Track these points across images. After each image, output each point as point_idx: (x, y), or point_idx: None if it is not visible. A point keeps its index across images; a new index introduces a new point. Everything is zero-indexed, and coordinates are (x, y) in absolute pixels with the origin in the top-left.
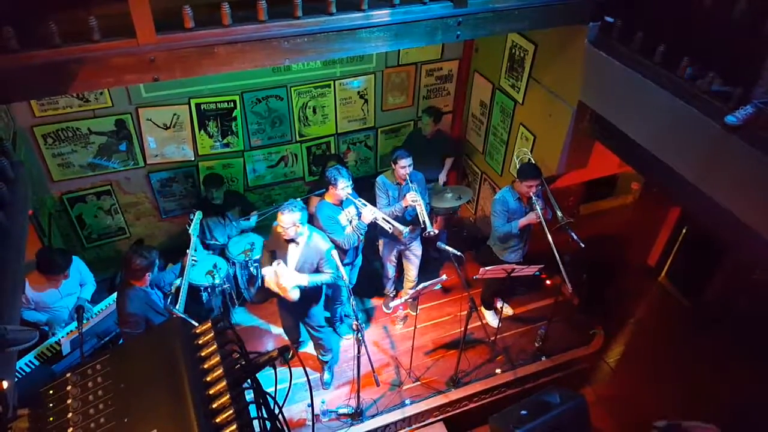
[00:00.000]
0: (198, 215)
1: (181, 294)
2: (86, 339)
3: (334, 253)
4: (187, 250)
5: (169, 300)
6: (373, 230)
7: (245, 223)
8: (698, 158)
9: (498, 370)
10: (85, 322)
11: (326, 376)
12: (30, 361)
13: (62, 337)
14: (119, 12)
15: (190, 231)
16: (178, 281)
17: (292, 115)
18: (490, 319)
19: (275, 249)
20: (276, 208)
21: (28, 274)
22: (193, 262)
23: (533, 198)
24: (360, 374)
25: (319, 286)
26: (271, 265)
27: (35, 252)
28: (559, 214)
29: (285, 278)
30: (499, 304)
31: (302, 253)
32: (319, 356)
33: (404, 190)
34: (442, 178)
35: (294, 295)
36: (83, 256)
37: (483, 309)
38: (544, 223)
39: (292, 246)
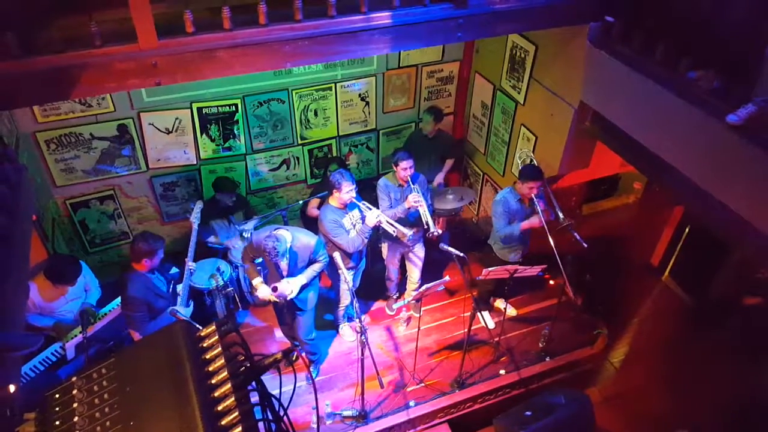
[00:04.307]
0: (198, 204)
1: (181, 297)
2: (91, 343)
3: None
4: (186, 259)
5: (171, 286)
6: (376, 232)
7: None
8: (700, 157)
9: (502, 371)
10: (89, 326)
11: (313, 371)
12: (35, 366)
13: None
14: (121, 17)
15: (191, 219)
16: (179, 287)
17: (293, 118)
18: (487, 319)
19: (258, 257)
20: (276, 212)
21: (34, 278)
22: (192, 269)
23: (534, 199)
24: (364, 376)
25: (316, 282)
26: (257, 274)
27: (43, 258)
28: (561, 215)
29: (288, 291)
30: (502, 305)
31: (290, 256)
32: (306, 356)
33: (406, 191)
34: (437, 179)
35: (294, 290)
36: (87, 261)
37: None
38: (546, 227)
39: None
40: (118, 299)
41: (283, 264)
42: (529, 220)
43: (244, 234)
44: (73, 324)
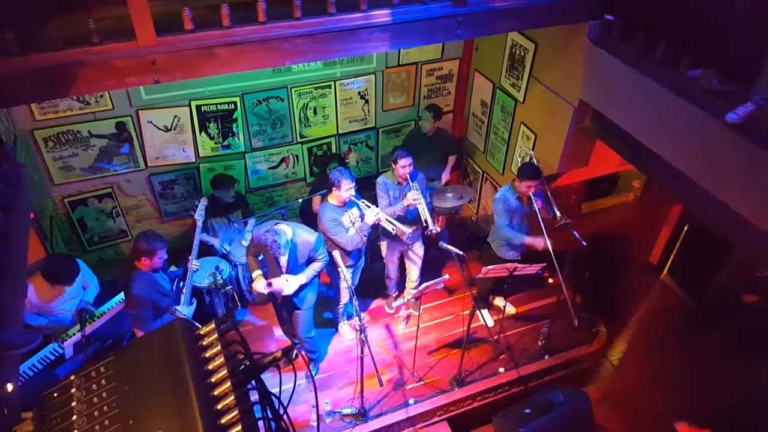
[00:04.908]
0: (203, 201)
1: (185, 296)
2: (89, 342)
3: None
4: (189, 257)
5: (175, 284)
6: (375, 231)
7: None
8: (699, 156)
9: (501, 369)
10: (87, 325)
11: (312, 370)
12: (33, 365)
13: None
14: (119, 14)
15: (195, 216)
16: (181, 284)
17: (292, 116)
18: (486, 317)
19: (260, 252)
20: (275, 210)
21: (32, 278)
22: (196, 268)
23: (532, 197)
24: (363, 375)
25: (315, 280)
26: (258, 268)
27: (41, 257)
28: (558, 214)
29: (287, 288)
30: (501, 303)
31: (290, 251)
32: (307, 354)
33: (405, 189)
34: (444, 176)
35: (292, 289)
36: (85, 259)
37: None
38: (548, 240)
39: None
40: (116, 298)
41: (283, 260)
42: (534, 240)
43: (243, 242)
44: (70, 324)
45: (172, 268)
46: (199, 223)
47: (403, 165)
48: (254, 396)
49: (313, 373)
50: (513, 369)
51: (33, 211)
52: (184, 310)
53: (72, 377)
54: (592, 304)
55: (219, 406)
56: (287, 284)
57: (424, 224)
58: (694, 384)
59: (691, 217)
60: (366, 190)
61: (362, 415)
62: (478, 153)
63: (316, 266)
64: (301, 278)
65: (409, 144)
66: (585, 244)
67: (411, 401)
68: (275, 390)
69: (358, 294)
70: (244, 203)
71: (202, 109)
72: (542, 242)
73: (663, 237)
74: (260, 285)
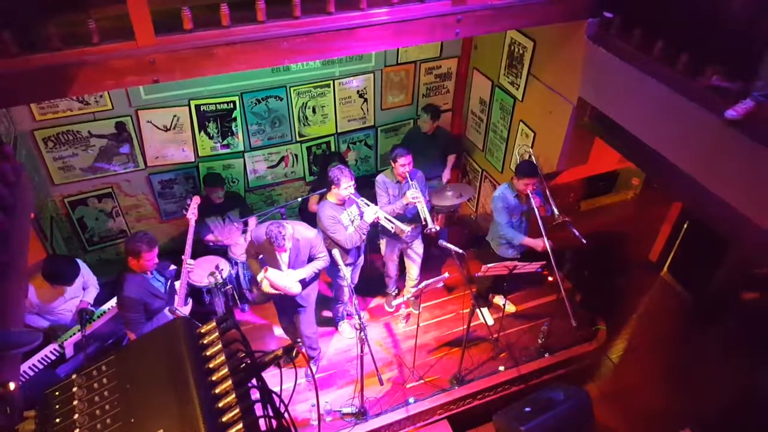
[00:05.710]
0: (195, 200)
1: (179, 295)
2: (90, 341)
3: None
4: (183, 257)
5: (168, 285)
6: (375, 229)
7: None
8: (698, 153)
9: (501, 368)
10: (87, 325)
11: (313, 368)
12: (33, 365)
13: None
14: (118, 14)
15: (188, 215)
16: (177, 283)
17: (291, 116)
18: (486, 316)
19: (260, 253)
20: (275, 209)
21: (32, 279)
22: (190, 267)
23: (530, 195)
24: (363, 373)
25: (316, 278)
26: (260, 268)
27: (40, 258)
28: (557, 212)
29: (282, 280)
30: (501, 302)
31: (292, 248)
32: (307, 352)
33: (404, 187)
34: (445, 176)
35: (296, 288)
36: (85, 259)
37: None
38: (546, 239)
39: None
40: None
41: (284, 256)
42: (534, 241)
43: (246, 235)
44: (71, 325)
45: (172, 268)
46: (192, 222)
47: (403, 163)
48: (255, 394)
49: (313, 371)
50: (513, 367)
51: (33, 212)
52: (181, 309)
53: (74, 376)
54: (592, 302)
55: (220, 405)
56: (287, 278)
57: (424, 223)
58: (694, 381)
59: (691, 215)
60: (365, 188)
61: (362, 414)
62: (477, 151)
63: (317, 264)
64: (300, 273)
65: (409, 142)
66: (584, 242)
67: (411, 400)
68: (276, 388)
69: (357, 292)
70: (241, 202)
71: (201, 109)
72: (541, 243)
73: (663, 234)
74: (260, 277)
